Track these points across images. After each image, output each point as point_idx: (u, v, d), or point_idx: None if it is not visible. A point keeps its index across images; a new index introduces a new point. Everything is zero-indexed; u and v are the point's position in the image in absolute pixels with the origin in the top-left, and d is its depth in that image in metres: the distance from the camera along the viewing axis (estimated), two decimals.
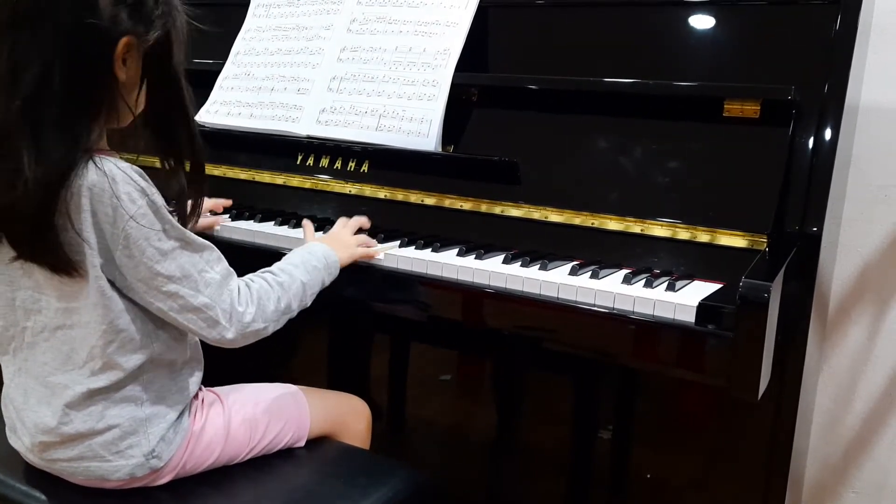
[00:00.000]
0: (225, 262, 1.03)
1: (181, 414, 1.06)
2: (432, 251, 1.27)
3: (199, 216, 1.08)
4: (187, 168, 1.05)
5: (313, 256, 1.18)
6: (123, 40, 0.93)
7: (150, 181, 0.96)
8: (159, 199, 0.96)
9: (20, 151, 0.90)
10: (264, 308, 1.05)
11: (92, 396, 0.99)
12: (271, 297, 1.07)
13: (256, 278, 1.09)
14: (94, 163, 0.92)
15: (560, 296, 1.13)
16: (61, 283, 0.96)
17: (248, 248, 1.39)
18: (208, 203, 1.49)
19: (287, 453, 1.18)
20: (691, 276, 1.16)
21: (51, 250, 0.92)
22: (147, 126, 1.02)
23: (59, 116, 0.91)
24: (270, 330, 1.07)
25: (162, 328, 1.03)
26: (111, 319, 0.97)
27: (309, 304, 1.15)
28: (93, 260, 0.94)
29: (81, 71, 0.92)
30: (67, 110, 0.91)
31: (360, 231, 1.35)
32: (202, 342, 1.10)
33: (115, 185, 0.92)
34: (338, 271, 1.21)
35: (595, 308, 1.10)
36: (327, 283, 1.19)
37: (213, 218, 1.47)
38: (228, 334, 1.01)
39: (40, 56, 0.90)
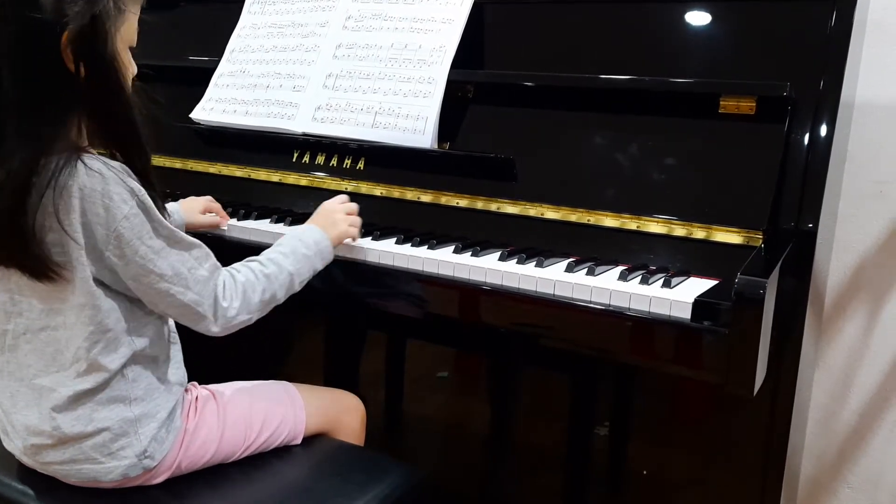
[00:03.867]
0: (213, 259, 1.04)
1: (172, 412, 1.06)
2: (428, 248, 1.27)
3: (162, 209, 1.02)
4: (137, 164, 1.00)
5: (303, 244, 1.17)
6: (67, 31, 0.90)
7: (136, 179, 0.95)
8: (148, 199, 0.95)
9: None
10: (249, 300, 1.06)
11: (78, 399, 0.99)
12: (256, 288, 1.08)
13: (243, 269, 1.09)
14: (84, 163, 0.91)
15: (556, 293, 1.13)
16: (43, 286, 0.95)
17: (243, 246, 1.38)
18: (207, 203, 1.47)
19: (283, 451, 1.18)
20: (687, 273, 1.16)
21: (29, 255, 0.92)
22: (89, 118, 0.97)
23: (18, 120, 0.90)
24: (255, 318, 1.09)
25: (145, 326, 1.03)
26: (100, 320, 0.97)
27: (298, 290, 1.15)
28: (81, 259, 0.93)
29: (31, 70, 0.90)
30: (24, 113, 0.90)
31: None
32: (203, 342, 1.10)
33: (107, 185, 0.92)
34: (332, 255, 1.22)
35: (591, 305, 1.10)
36: (320, 268, 1.20)
37: (217, 219, 1.45)
38: (214, 328, 1.04)
39: None
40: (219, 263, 1.06)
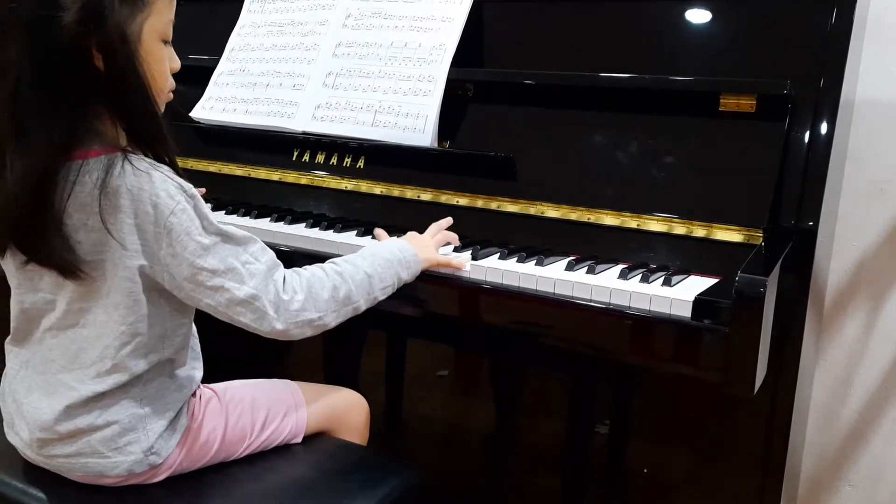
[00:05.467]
0: (271, 253, 1.01)
1: (179, 411, 1.06)
2: None
3: None
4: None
5: (385, 249, 1.13)
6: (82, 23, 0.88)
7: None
8: (197, 194, 0.95)
9: (4, 153, 0.89)
10: (316, 296, 1.01)
11: (94, 399, 0.98)
12: (325, 284, 1.03)
13: (310, 267, 1.06)
14: (132, 163, 0.91)
15: (556, 291, 1.13)
16: (73, 284, 0.95)
17: None
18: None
19: (284, 449, 1.18)
20: (687, 271, 1.16)
21: (53, 252, 0.91)
22: (111, 111, 0.95)
23: (40, 116, 0.89)
24: (330, 321, 1.04)
25: (178, 336, 1.03)
26: (132, 322, 0.96)
27: (381, 299, 1.10)
28: (124, 261, 0.93)
29: (53, 67, 0.89)
30: (47, 109, 0.90)
31: (446, 244, 1.27)
32: (204, 341, 1.11)
33: (153, 184, 0.92)
34: (418, 266, 1.15)
35: (591, 303, 1.10)
36: (405, 277, 1.13)
37: None
38: (278, 325, 0.99)
39: (15, 57, 0.89)
40: (279, 260, 1.02)
